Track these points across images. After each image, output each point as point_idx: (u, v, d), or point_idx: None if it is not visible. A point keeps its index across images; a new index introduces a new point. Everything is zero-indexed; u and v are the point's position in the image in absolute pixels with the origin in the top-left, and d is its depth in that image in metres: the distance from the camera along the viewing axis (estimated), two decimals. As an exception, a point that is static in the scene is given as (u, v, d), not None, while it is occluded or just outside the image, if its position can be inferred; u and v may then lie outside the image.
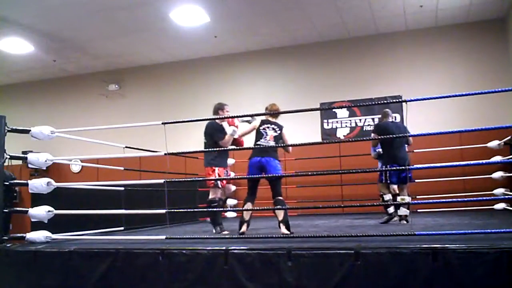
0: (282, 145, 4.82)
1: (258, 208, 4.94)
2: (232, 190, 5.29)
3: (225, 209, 5.46)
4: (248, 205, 4.76)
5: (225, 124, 5.29)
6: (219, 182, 5.17)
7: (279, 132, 4.84)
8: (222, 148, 5.11)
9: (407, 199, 5.36)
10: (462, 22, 8.73)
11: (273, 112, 4.83)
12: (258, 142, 4.81)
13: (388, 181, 5.62)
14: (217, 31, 8.96)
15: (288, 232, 4.44)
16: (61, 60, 10.35)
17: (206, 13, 8.11)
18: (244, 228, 4.66)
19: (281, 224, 4.52)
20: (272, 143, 4.76)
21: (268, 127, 4.84)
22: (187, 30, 8.78)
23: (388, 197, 5.63)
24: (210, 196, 5.30)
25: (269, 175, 4.63)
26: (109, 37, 9.15)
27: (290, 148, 5.05)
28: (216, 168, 5.20)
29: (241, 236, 4.44)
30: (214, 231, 5.16)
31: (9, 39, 8.95)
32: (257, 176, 4.71)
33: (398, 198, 5.41)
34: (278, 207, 4.54)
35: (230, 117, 5.21)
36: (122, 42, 9.41)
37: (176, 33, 8.95)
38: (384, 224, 5.52)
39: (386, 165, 5.65)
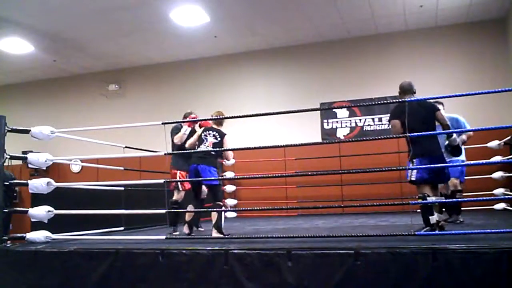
0: (219, 149, 4.75)
1: (257, 208, 4.96)
2: (206, 192, 5.32)
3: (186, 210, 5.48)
4: (190, 207, 5.02)
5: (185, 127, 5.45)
6: (179, 185, 5.32)
7: (219, 139, 4.81)
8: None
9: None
10: (462, 22, 8.72)
11: (216, 117, 4.88)
12: (198, 149, 4.81)
13: None
14: (217, 31, 8.96)
15: (221, 235, 4.41)
16: (61, 60, 10.35)
17: (206, 13, 8.11)
18: (186, 229, 4.97)
19: (213, 228, 4.52)
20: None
21: (209, 134, 4.84)
22: (187, 30, 8.78)
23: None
24: (174, 198, 5.44)
25: (207, 182, 4.79)
26: (109, 37, 9.16)
27: (230, 156, 5.14)
28: (178, 172, 5.37)
29: (241, 236, 4.44)
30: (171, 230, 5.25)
31: (9, 39, 8.95)
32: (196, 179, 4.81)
33: None
34: (215, 209, 4.61)
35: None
36: (122, 42, 9.41)
37: (176, 33, 8.95)
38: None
39: None
